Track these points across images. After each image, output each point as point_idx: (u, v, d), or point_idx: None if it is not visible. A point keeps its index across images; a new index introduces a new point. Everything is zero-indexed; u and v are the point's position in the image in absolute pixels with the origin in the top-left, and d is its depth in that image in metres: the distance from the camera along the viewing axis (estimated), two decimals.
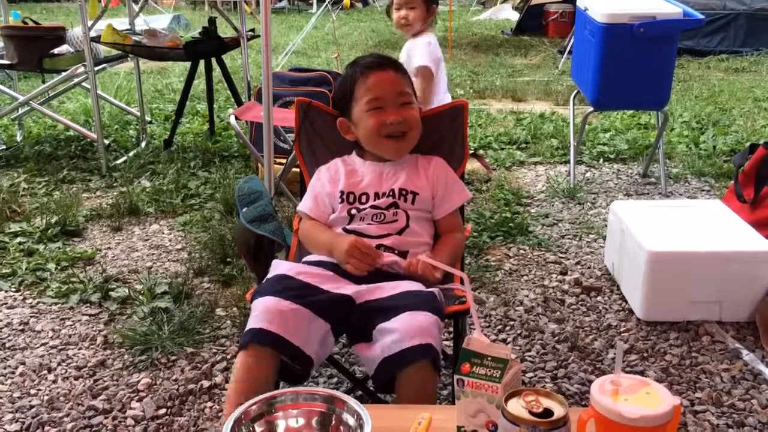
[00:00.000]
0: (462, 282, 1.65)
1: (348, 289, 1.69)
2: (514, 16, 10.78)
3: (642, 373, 2.17)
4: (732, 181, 3.05)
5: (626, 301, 2.60)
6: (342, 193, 1.88)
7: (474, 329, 1.24)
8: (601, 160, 4.23)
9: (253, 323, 1.56)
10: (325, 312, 1.62)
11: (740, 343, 2.33)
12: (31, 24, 4.40)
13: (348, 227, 1.85)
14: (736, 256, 2.44)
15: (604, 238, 2.97)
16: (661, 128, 3.72)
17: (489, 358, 1.17)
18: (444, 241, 1.89)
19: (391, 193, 1.86)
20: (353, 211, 1.85)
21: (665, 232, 2.57)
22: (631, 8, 3.39)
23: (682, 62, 7.14)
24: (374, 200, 1.85)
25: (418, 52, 3.17)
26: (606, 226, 2.94)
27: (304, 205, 1.94)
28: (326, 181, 1.94)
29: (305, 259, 1.87)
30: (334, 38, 7.80)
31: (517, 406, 1.04)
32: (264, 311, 1.56)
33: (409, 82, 1.92)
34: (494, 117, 5.19)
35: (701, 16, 3.37)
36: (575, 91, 3.99)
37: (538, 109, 5.39)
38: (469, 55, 8.08)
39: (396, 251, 1.80)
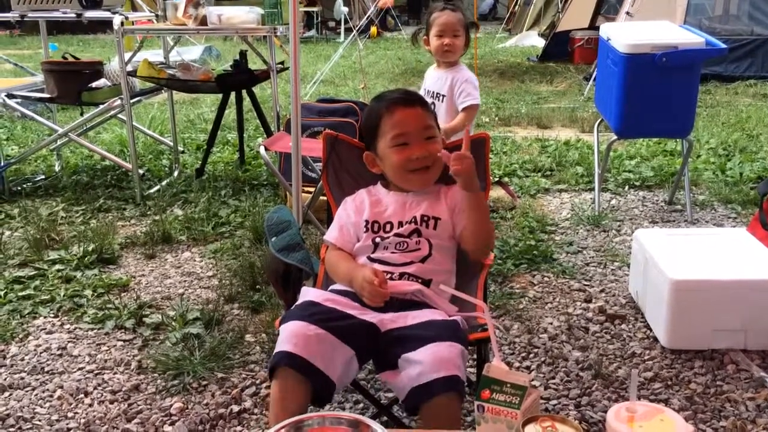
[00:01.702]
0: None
1: (372, 317, 1.74)
2: (540, 43, 10.87)
3: (666, 402, 2.18)
4: (757, 209, 3.05)
5: (650, 329, 2.61)
6: (367, 222, 1.94)
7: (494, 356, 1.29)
8: (627, 187, 4.25)
9: (280, 346, 1.63)
10: (349, 338, 1.67)
11: (765, 371, 2.32)
12: (70, 59, 4.58)
13: (372, 256, 1.90)
14: (760, 284, 2.45)
15: (629, 265, 2.99)
16: (686, 156, 3.73)
17: (508, 385, 1.22)
18: None
19: (413, 220, 1.91)
20: (377, 240, 1.91)
21: (688, 260, 2.58)
22: (653, 38, 3.44)
23: (709, 88, 7.13)
24: (398, 228, 1.91)
25: (469, 89, 3.22)
26: (630, 253, 2.96)
27: (330, 235, 2.01)
28: (351, 211, 2.00)
29: (332, 287, 1.93)
30: (361, 67, 7.94)
31: None
32: (290, 335, 1.63)
33: (432, 117, 1.98)
34: (519, 144, 5.24)
35: (723, 46, 3.40)
36: (600, 119, 4.02)
37: (564, 137, 5.42)
38: (494, 82, 8.16)
39: (419, 279, 1.85)
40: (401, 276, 1.84)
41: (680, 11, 7.43)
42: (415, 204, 1.94)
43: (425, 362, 1.55)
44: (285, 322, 1.68)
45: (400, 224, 1.91)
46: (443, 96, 3.24)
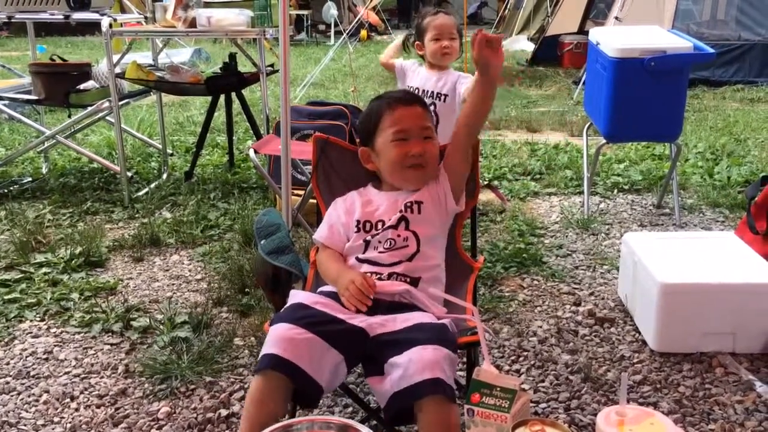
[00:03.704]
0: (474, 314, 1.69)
1: (361, 321, 1.73)
2: (530, 47, 10.90)
3: (655, 405, 2.19)
4: (745, 213, 3.07)
5: (639, 333, 2.62)
6: (358, 222, 1.95)
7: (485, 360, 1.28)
8: (615, 190, 4.27)
9: (267, 349, 1.62)
10: (338, 342, 1.66)
11: (754, 374, 2.34)
12: (58, 61, 4.55)
13: (361, 256, 1.91)
14: (748, 288, 2.46)
15: (618, 269, 3.00)
16: (674, 160, 3.75)
17: (498, 389, 1.21)
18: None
19: (399, 210, 1.93)
20: (368, 239, 1.92)
21: (677, 263, 2.59)
22: (641, 43, 3.45)
23: (697, 93, 7.18)
24: (388, 222, 1.92)
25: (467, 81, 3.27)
26: (620, 257, 2.97)
27: (320, 234, 2.01)
28: (342, 212, 2.01)
29: (321, 289, 1.92)
30: (351, 70, 7.93)
31: None
32: (278, 338, 1.62)
33: (431, 119, 2.01)
34: (509, 148, 5.24)
35: (711, 51, 3.42)
36: (589, 123, 4.03)
37: (553, 140, 5.44)
38: None
39: (407, 278, 1.85)
40: (390, 276, 1.84)
41: (668, 16, 7.47)
42: (405, 200, 1.95)
43: (408, 365, 1.54)
44: (274, 324, 1.68)
45: (390, 220, 1.92)
46: (445, 96, 3.26)
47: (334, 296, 1.83)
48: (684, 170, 4.53)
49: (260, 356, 1.63)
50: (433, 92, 3.29)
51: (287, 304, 1.80)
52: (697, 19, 8.15)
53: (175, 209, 4.02)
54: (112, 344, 2.61)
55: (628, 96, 3.42)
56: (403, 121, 1.93)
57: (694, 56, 3.45)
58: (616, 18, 7.09)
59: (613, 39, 3.57)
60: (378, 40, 13.90)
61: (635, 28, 4.15)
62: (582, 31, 9.60)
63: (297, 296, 1.82)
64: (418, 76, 3.37)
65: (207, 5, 4.18)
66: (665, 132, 3.58)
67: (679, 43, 3.48)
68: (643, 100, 3.41)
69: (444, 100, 3.25)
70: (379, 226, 1.93)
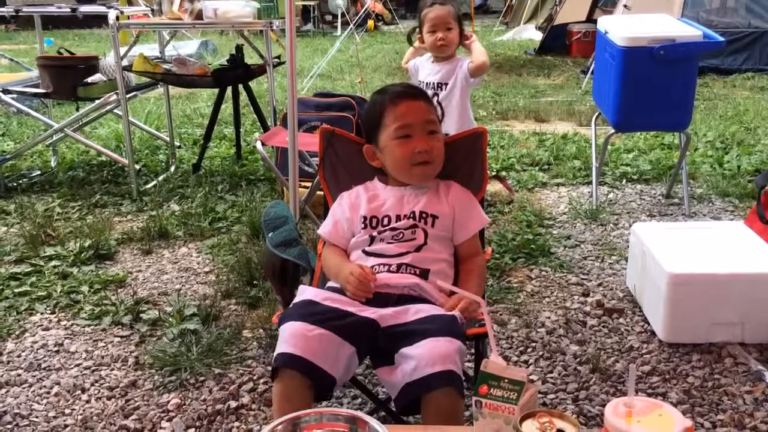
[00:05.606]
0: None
1: (372, 312, 1.73)
2: (538, 36, 10.84)
3: (664, 395, 2.18)
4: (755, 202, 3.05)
5: (648, 323, 2.61)
6: (364, 218, 1.93)
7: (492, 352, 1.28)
8: (624, 180, 4.25)
9: (281, 348, 1.61)
10: (350, 335, 1.66)
11: (763, 365, 2.32)
12: (65, 54, 4.55)
13: (368, 249, 1.90)
14: (758, 278, 2.45)
15: (627, 259, 2.99)
16: (684, 149, 3.73)
17: (506, 380, 1.21)
18: (468, 269, 1.92)
19: (411, 215, 1.90)
20: (374, 234, 1.91)
21: (686, 253, 2.58)
22: (650, 31, 3.43)
23: (706, 81, 7.13)
24: (395, 222, 1.90)
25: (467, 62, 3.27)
26: (628, 247, 2.96)
27: (324, 229, 2.00)
28: (347, 207, 1.99)
29: (328, 284, 1.92)
30: (358, 61, 7.92)
31: (531, 428, 1.08)
32: (290, 336, 1.62)
33: (434, 112, 1.99)
34: (517, 138, 5.23)
35: (721, 39, 3.39)
36: (597, 112, 4.01)
37: (561, 130, 5.41)
38: (491, 76, 8.14)
39: (416, 269, 1.84)
40: (399, 267, 1.83)
41: (678, 4, 7.41)
42: (413, 198, 1.94)
43: (421, 357, 1.54)
44: (284, 321, 1.67)
45: (398, 218, 1.91)
46: (444, 84, 3.26)
47: (341, 291, 1.82)
48: (693, 159, 4.50)
49: (275, 355, 1.62)
50: (434, 83, 3.30)
51: (295, 301, 1.80)
52: (706, 7, 8.08)
53: (183, 202, 4.03)
54: (122, 336, 2.62)
55: (637, 85, 3.40)
56: (405, 116, 1.89)
57: (704, 44, 3.42)
58: (625, 6, 7.04)
59: (621, 27, 3.55)
60: (385, 31, 13.86)
61: (644, 16, 4.11)
62: (590, 19, 9.53)
63: (305, 293, 1.81)
64: (424, 71, 3.38)
65: None
66: (674, 121, 3.56)
67: (689, 31, 3.45)
68: (652, 89, 3.39)
69: (443, 89, 3.26)
70: (386, 221, 1.91)
